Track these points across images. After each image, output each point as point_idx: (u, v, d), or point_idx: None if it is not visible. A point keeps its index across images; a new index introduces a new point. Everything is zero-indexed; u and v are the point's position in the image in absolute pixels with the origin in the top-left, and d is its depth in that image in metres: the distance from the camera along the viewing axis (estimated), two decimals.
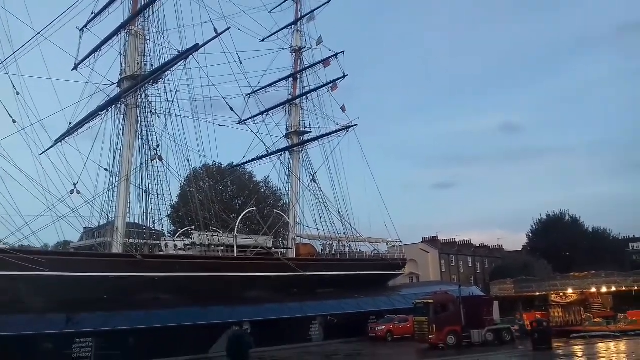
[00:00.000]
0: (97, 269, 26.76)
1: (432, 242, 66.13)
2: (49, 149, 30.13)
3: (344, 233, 43.06)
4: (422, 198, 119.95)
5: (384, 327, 34.00)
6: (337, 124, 44.38)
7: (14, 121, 27.11)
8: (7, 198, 25.29)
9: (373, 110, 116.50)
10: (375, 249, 45.16)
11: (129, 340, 25.20)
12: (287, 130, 44.86)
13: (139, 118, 32.31)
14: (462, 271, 67.00)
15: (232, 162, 49.91)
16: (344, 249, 43.12)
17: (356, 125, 44.01)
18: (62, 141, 31.16)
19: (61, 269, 25.29)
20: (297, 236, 42.64)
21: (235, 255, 34.42)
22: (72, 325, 24.05)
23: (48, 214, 27.11)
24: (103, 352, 23.80)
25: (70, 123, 31.12)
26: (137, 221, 31.85)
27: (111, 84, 31.92)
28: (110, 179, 31.04)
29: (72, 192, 28.75)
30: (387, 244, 45.88)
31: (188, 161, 33.76)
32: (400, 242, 46.39)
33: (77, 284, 25.23)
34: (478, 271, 70.02)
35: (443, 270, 63.65)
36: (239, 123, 40.33)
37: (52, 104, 30.84)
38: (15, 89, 27.39)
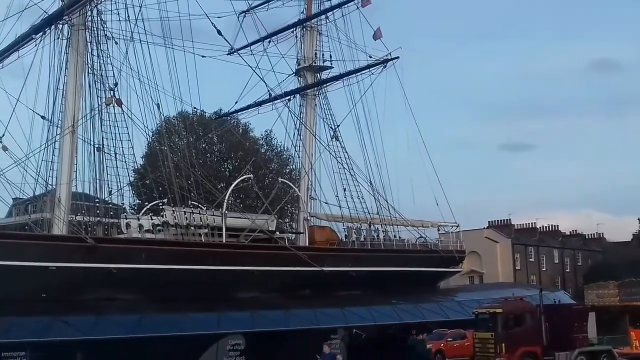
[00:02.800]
0: (32, 257, 27.05)
1: (503, 227, 66.09)
2: None
3: (378, 213, 43.28)
4: (486, 164, 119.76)
5: (431, 345, 34.20)
6: (370, 57, 44.25)
7: None
8: None
9: (416, 38, 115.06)
10: (421, 236, 45.38)
11: (75, 356, 25.64)
12: (298, 64, 44.68)
13: (88, 45, 32.26)
14: (544, 269, 67.05)
15: (220, 110, 50.01)
16: (377, 236, 43.26)
17: (397, 58, 43.85)
18: None
19: None
20: (311, 216, 42.86)
21: (224, 241, 34.72)
22: None
23: None
24: None
25: None
26: (87, 191, 32.23)
27: None
28: (49, 131, 31.23)
29: None
30: (438, 230, 46.09)
31: (158, 107, 33.87)
32: (458, 227, 46.69)
33: (3, 277, 25.58)
34: (567, 270, 70.14)
35: (517, 268, 63.72)
36: (229, 53, 40.22)
37: None
38: None
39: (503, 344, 27.86)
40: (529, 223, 70.20)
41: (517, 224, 68.68)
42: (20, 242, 28.87)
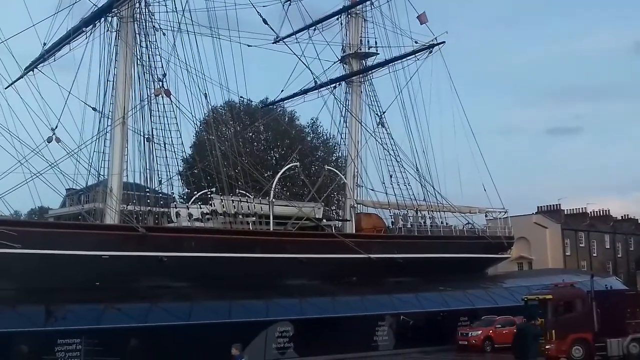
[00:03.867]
0: (86, 246, 27.68)
1: (552, 213, 65.18)
2: (17, 80, 31.03)
3: (425, 199, 43.04)
4: (532, 149, 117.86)
5: (480, 332, 34.06)
6: (416, 42, 43.87)
7: None
8: None
9: (459, 22, 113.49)
10: (469, 222, 44.98)
11: (129, 342, 26.23)
12: (344, 51, 44.52)
13: (137, 37, 32.71)
14: (595, 255, 66.01)
15: (266, 99, 50.20)
16: (425, 222, 43.07)
17: (443, 42, 43.38)
18: (35, 69, 31.99)
19: (38, 246, 26.32)
20: (358, 203, 42.74)
21: (272, 229, 34.96)
22: (55, 321, 25.19)
23: (19, 170, 28.18)
24: (95, 357, 24.86)
25: (45, 44, 31.81)
26: (137, 181, 32.78)
27: None
28: (100, 123, 31.83)
29: (49, 140, 29.69)
30: (486, 216, 45.63)
31: (206, 97, 34.20)
32: (506, 212, 46.13)
33: (59, 266, 26.26)
34: (619, 255, 69.01)
35: (568, 254, 62.84)
36: (275, 42, 40.39)
37: (19, 18, 31.48)
38: None
39: (553, 331, 27.47)
40: (579, 208, 69.06)
41: (567, 209, 67.62)
42: (74, 231, 29.65)
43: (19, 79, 31.06)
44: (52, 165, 28.75)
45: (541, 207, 66.39)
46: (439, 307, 36.37)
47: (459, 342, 34.23)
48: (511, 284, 42.00)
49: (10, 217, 30.36)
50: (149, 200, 32.85)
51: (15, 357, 23.78)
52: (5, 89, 29.82)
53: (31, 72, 31.71)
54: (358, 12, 44.45)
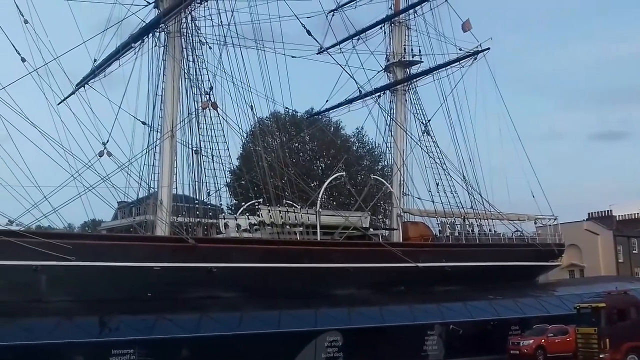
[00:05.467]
0: (138, 258, 28.17)
1: (603, 219, 63.81)
2: (69, 96, 31.82)
3: (472, 207, 42.86)
4: (579, 154, 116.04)
5: (532, 341, 33.51)
6: (460, 49, 43.80)
7: (23, 59, 28.61)
8: (19, 163, 27.13)
9: (501, 28, 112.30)
10: (518, 230, 44.55)
11: (181, 352, 26.60)
12: (388, 60, 44.64)
13: (184, 51, 33.27)
14: None
15: (312, 109, 50.47)
16: (472, 230, 42.75)
17: (488, 49, 43.26)
18: (86, 85, 32.78)
19: (92, 258, 26.89)
20: (405, 212, 42.69)
21: (319, 239, 35.08)
22: (109, 332, 25.65)
23: (72, 184, 28.82)
24: None
25: (95, 60, 32.59)
26: (186, 193, 33.30)
27: (146, 4, 32.97)
28: (149, 136, 32.44)
29: (101, 154, 30.21)
30: (535, 223, 45.13)
31: (251, 108, 34.53)
32: (556, 219, 45.53)
33: (112, 277, 26.85)
34: None
35: (620, 261, 61.36)
36: (319, 53, 40.66)
37: (70, 36, 32.31)
38: (22, 15, 28.83)
39: (607, 340, 27.11)
40: (631, 214, 67.36)
41: (619, 215, 66.11)
42: (126, 243, 30.22)
43: (70, 95, 31.86)
44: (104, 178, 29.39)
45: (592, 213, 65.09)
46: (489, 316, 35.97)
47: (511, 352, 33.71)
48: (563, 292, 41.38)
49: (64, 230, 31.14)
50: (198, 212, 33.25)
51: None
52: (58, 104, 30.56)
53: (82, 88, 32.51)
54: (401, 20, 44.56)
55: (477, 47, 43.17)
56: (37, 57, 28.50)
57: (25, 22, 28.75)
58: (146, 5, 32.92)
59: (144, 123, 32.40)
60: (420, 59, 44.39)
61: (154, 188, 32.07)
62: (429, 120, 43.83)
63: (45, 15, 29.48)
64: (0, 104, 26.94)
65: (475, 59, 43.22)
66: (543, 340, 33.41)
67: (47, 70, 28.87)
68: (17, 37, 28.47)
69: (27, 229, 27.01)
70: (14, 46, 28.23)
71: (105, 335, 25.50)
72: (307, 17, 36.86)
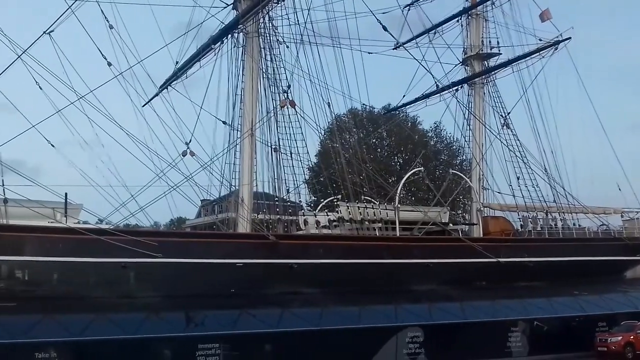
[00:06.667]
0: (221, 255, 28.73)
1: None
2: (153, 97, 32.85)
3: (555, 201, 41.88)
4: None
5: (620, 337, 32.53)
6: (540, 39, 42.87)
7: (109, 64, 29.53)
8: (108, 164, 28.14)
9: (582, 16, 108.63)
10: (603, 224, 43.28)
11: (264, 347, 26.94)
12: (465, 53, 44.10)
13: (262, 51, 33.68)
14: None
15: (389, 105, 50.35)
16: (555, 224, 41.72)
17: (569, 39, 42.21)
18: (168, 87, 33.70)
19: (178, 255, 27.65)
20: (485, 206, 42.13)
21: (398, 234, 34.92)
22: (195, 326, 26.26)
23: (157, 184, 29.64)
24: None
25: (177, 62, 33.45)
26: (266, 190, 33.71)
27: (225, 5, 33.54)
28: (230, 135, 33.06)
29: (184, 153, 30.90)
30: (622, 216, 43.79)
31: (329, 106, 34.73)
32: None
33: (197, 273, 27.44)
34: None
35: None
36: (395, 48, 40.49)
37: (150, 39, 33.24)
38: (107, 21, 29.80)
39: None
40: None
41: None
42: (209, 240, 30.93)
43: (154, 96, 32.85)
44: (188, 177, 30.06)
45: None
46: (574, 312, 34.98)
47: (598, 349, 32.78)
48: None
49: (151, 228, 32.05)
50: (278, 209, 33.62)
51: None
52: (143, 106, 31.54)
53: (165, 89, 33.44)
54: (478, 12, 43.89)
55: (557, 36, 42.21)
56: (122, 61, 29.41)
57: (111, 27, 29.72)
58: (225, 7, 33.49)
59: (224, 122, 33.09)
60: (499, 51, 43.78)
61: (235, 186, 32.64)
62: (508, 113, 43.11)
63: (127, 20, 30.48)
64: (89, 107, 27.97)
65: (556, 49, 42.29)
66: (632, 337, 32.39)
67: (131, 73, 29.77)
68: (103, 42, 29.53)
69: (116, 227, 27.86)
70: (100, 51, 29.23)
71: (191, 330, 26.10)
72: (383, 13, 36.70)
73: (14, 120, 27.91)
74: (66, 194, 26.81)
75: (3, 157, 25.83)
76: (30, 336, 23.24)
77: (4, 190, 25.42)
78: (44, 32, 27.83)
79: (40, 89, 27.28)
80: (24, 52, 26.63)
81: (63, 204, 26.72)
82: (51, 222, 26.19)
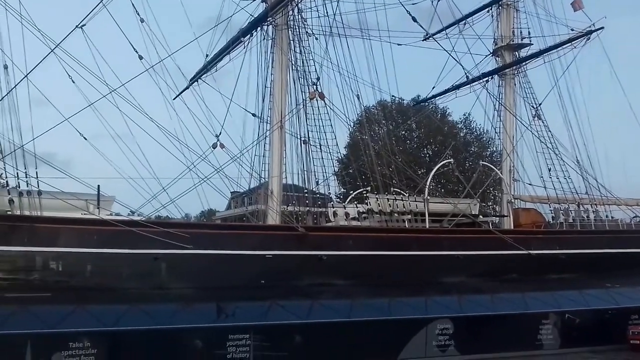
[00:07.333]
0: (251, 246, 28.89)
1: None
2: (183, 90, 33.08)
3: (587, 192, 41.51)
4: None
5: None
6: (572, 29, 42.40)
7: (140, 57, 29.75)
8: (139, 156, 28.41)
9: (614, 6, 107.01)
10: (637, 215, 43.00)
11: (294, 338, 27.02)
12: (495, 44, 43.78)
13: (291, 43, 33.78)
14: None
15: (418, 96, 50.14)
16: (588, 216, 41.30)
17: (602, 28, 41.85)
18: (199, 80, 33.93)
19: (208, 246, 27.83)
20: (515, 198, 41.83)
21: (427, 226, 34.79)
22: (225, 317, 26.50)
23: (187, 176, 29.90)
24: (264, 352, 25.92)
25: (207, 55, 33.67)
26: (296, 182, 33.86)
27: None
28: (259, 128, 33.21)
29: (214, 146, 31.11)
30: None
31: (358, 98, 34.75)
32: None
33: (227, 265, 27.66)
34: None
35: None
36: (425, 39, 40.35)
37: (179, 33, 33.46)
38: (138, 14, 30.10)
39: None
40: None
41: None
42: (240, 232, 31.13)
43: (185, 89, 33.14)
44: (218, 170, 30.30)
45: None
46: (607, 304, 34.50)
47: (631, 342, 32.43)
48: None
49: (182, 220, 32.35)
50: (307, 201, 33.72)
51: (190, 351, 25.23)
52: (173, 99, 31.84)
53: (195, 82, 33.68)
54: (509, 2, 43.48)
55: (590, 26, 41.76)
56: (153, 54, 29.67)
57: (142, 20, 30.02)
58: (254, 0, 33.61)
59: (254, 115, 33.27)
60: (530, 41, 43.41)
61: (264, 178, 32.87)
62: (540, 104, 42.75)
63: (158, 13, 30.76)
64: (121, 100, 28.28)
65: (589, 39, 41.84)
66: None
67: (162, 66, 30.04)
68: (134, 35, 29.82)
69: (148, 219, 28.16)
70: (131, 44, 29.52)
71: (222, 321, 26.31)
72: (413, 4, 36.61)
73: (47, 114, 28.37)
74: (99, 186, 27.21)
75: (37, 149, 26.27)
76: (64, 326, 23.64)
77: (38, 182, 25.92)
78: (77, 26, 28.18)
79: (73, 82, 27.72)
80: (57, 46, 26.98)
81: (96, 196, 27.10)
82: (84, 214, 26.57)
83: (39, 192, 25.79)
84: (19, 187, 25.80)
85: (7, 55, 25.96)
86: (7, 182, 26.54)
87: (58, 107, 27.13)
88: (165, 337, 24.90)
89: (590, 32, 41.69)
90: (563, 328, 32.83)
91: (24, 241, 24.82)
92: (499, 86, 43.54)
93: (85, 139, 28.69)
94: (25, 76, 26.10)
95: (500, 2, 43.31)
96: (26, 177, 25.83)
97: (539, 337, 32.54)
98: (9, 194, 25.55)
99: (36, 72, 26.63)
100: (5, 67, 25.97)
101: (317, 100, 33.44)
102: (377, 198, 34.19)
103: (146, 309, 25.54)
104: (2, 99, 25.97)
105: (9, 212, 25.39)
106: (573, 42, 42.03)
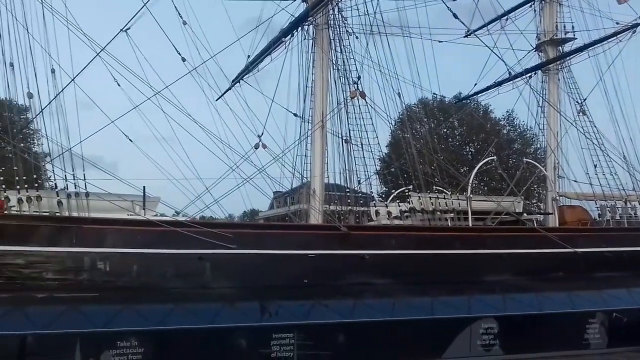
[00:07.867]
0: (294, 246, 28.97)
1: None
2: (226, 91, 33.48)
3: (634, 189, 40.82)
4: None
5: None
6: (617, 23, 41.61)
7: (183, 59, 30.09)
8: (183, 157, 28.81)
9: None
10: None
11: (337, 337, 27.19)
12: (538, 39, 43.15)
13: (332, 42, 33.81)
14: None
15: (460, 93, 49.72)
16: (635, 213, 40.48)
17: None
18: (240, 81, 34.22)
19: (252, 246, 27.97)
20: (560, 195, 41.19)
21: (470, 225, 34.48)
22: (269, 317, 26.70)
23: (230, 176, 30.20)
24: (308, 351, 26.06)
25: (249, 56, 33.95)
26: (337, 181, 33.84)
27: None
28: (301, 127, 33.38)
29: (256, 146, 31.35)
30: None
31: (399, 96, 34.60)
32: None
33: (270, 264, 27.80)
34: None
35: None
36: (466, 36, 39.92)
37: (220, 34, 33.77)
38: (180, 17, 30.42)
39: None
40: None
41: None
42: (283, 232, 31.16)
43: (227, 90, 33.52)
44: (260, 170, 30.48)
45: None
46: None
47: None
48: None
49: (225, 220, 32.67)
50: (349, 200, 33.75)
51: (235, 350, 25.57)
52: (216, 100, 32.23)
53: (238, 83, 33.99)
54: None
55: (635, 19, 40.90)
56: (195, 56, 30.04)
57: (184, 23, 30.42)
58: (295, 0, 33.76)
59: (295, 115, 33.47)
60: (574, 35, 42.71)
61: (306, 178, 32.98)
62: (584, 99, 42.02)
63: (200, 15, 31.12)
64: (165, 102, 28.68)
65: (634, 32, 40.91)
66: None
67: (205, 68, 30.36)
68: (177, 38, 30.21)
69: (192, 219, 28.48)
70: (174, 47, 29.90)
71: (266, 320, 26.56)
72: (453, 0, 36.29)
73: (93, 117, 28.92)
74: (144, 187, 27.61)
75: (84, 152, 26.79)
76: (112, 325, 24.16)
77: (85, 184, 26.42)
78: (121, 30, 28.64)
79: (119, 85, 28.15)
80: (102, 50, 27.47)
81: (141, 197, 27.52)
82: (130, 215, 27.00)
83: (87, 194, 26.27)
84: (67, 189, 26.30)
85: (55, 59, 26.54)
86: (55, 184, 27.15)
87: (104, 110, 27.63)
88: (210, 336, 25.29)
89: (636, 25, 40.75)
90: (610, 327, 32.42)
91: (72, 242, 25.29)
92: (542, 82, 42.87)
93: (131, 141, 29.15)
94: (72, 80, 26.65)
95: None
96: (74, 179, 26.32)
97: (585, 337, 32.18)
98: (58, 196, 26.04)
99: (82, 76, 27.20)
100: (53, 71, 26.44)
101: (358, 99, 33.40)
102: (419, 197, 33.96)
103: (191, 308, 25.90)
104: (49, 102, 26.53)
105: (57, 214, 25.94)
106: (618, 36, 41.17)
